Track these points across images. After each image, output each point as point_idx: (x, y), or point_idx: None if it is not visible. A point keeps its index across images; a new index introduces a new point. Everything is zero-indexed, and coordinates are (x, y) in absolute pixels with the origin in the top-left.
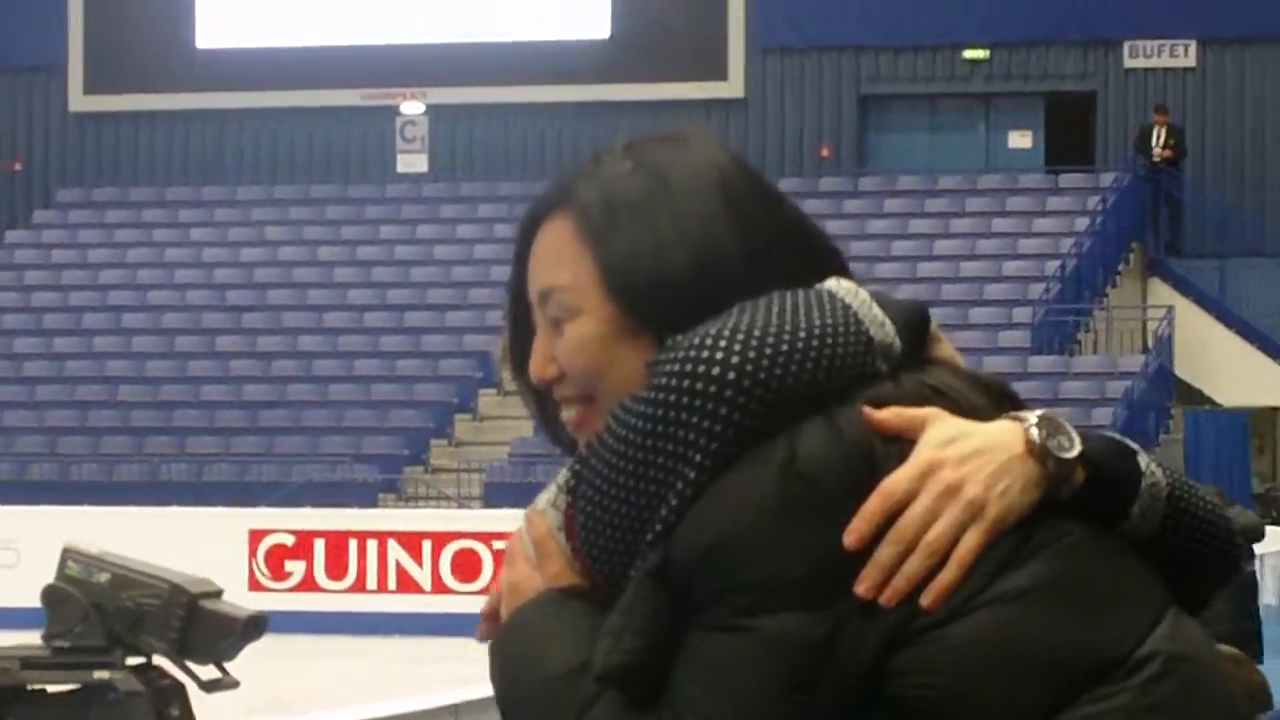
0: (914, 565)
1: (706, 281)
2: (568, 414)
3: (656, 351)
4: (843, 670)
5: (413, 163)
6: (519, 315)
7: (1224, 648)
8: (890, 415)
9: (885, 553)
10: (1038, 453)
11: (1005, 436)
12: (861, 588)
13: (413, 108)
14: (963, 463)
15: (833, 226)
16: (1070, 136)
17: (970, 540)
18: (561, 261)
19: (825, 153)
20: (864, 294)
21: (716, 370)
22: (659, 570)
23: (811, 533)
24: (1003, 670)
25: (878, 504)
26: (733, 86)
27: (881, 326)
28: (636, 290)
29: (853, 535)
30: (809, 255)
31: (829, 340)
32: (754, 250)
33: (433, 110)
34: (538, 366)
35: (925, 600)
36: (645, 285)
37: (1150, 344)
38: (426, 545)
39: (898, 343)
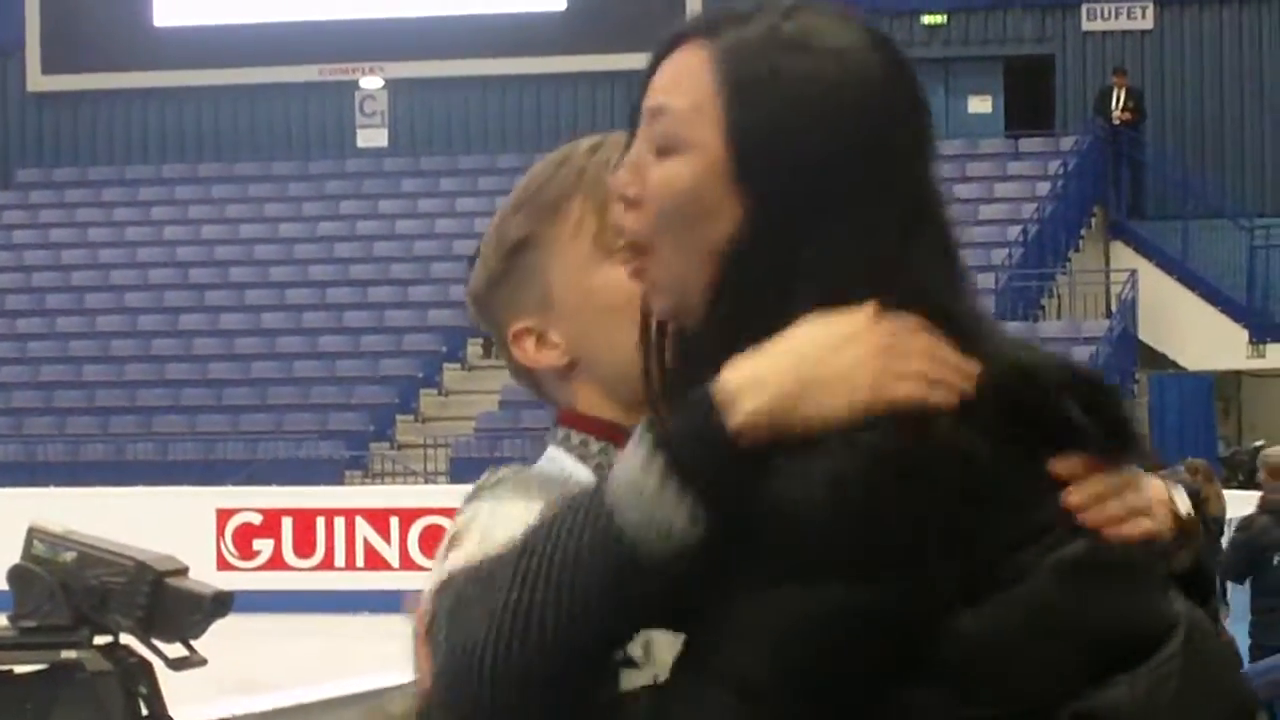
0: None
1: (829, 171)
2: (629, 260)
3: (734, 227)
4: (893, 634)
5: (373, 137)
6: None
7: None
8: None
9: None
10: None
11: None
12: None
13: (371, 82)
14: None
15: None
16: (1029, 100)
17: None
18: (686, 88)
19: None
20: None
21: None
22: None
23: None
24: (1056, 636)
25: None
26: None
27: None
28: (755, 144)
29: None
30: (931, 226)
31: None
32: (883, 177)
33: (392, 85)
34: (622, 176)
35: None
36: (765, 141)
37: (1114, 308)
38: (394, 522)
39: None
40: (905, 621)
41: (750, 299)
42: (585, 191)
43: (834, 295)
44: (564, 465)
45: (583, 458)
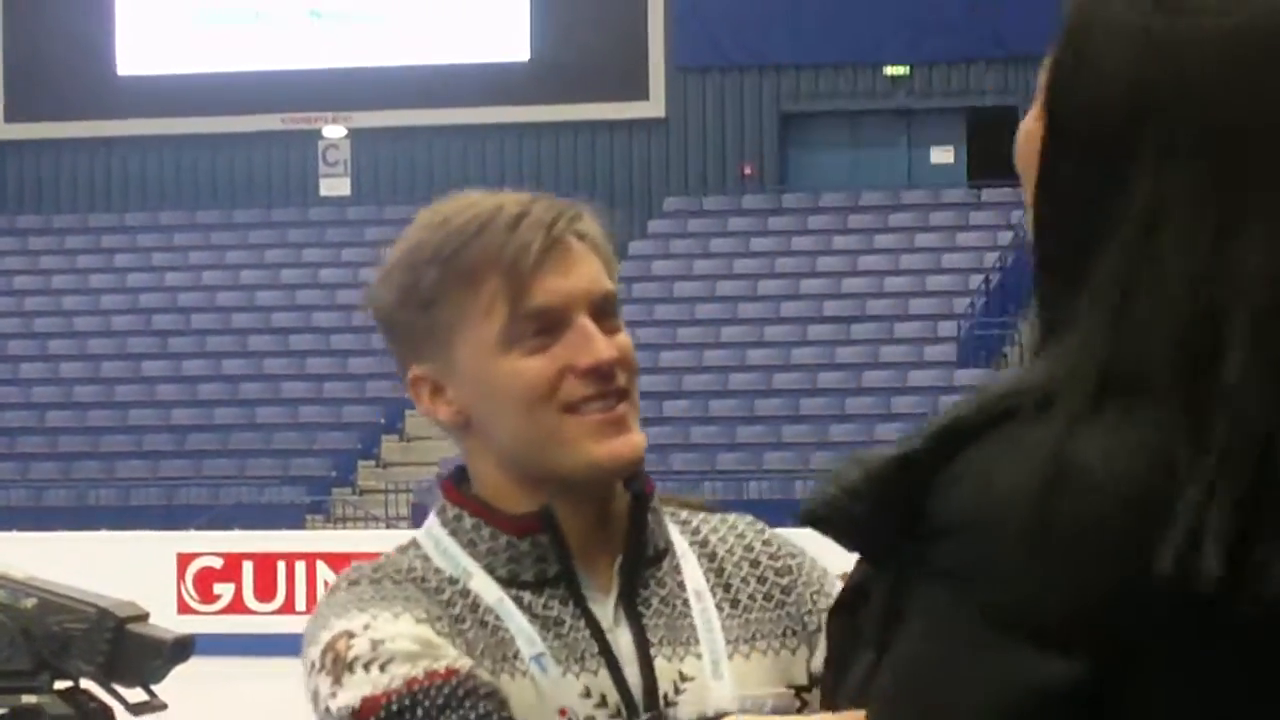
0: None
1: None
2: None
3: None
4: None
5: (335, 186)
6: None
7: None
8: None
9: None
10: None
11: None
12: None
13: (334, 131)
14: None
15: (756, 244)
16: (992, 151)
17: None
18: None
19: (748, 171)
20: None
21: None
22: (909, 463)
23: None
24: None
25: None
26: (654, 106)
27: None
28: (1054, 91)
29: None
30: None
31: None
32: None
33: (354, 134)
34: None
35: None
36: (1058, 87)
37: None
38: None
39: None
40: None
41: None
42: (501, 275)
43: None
44: (438, 540)
45: (455, 534)
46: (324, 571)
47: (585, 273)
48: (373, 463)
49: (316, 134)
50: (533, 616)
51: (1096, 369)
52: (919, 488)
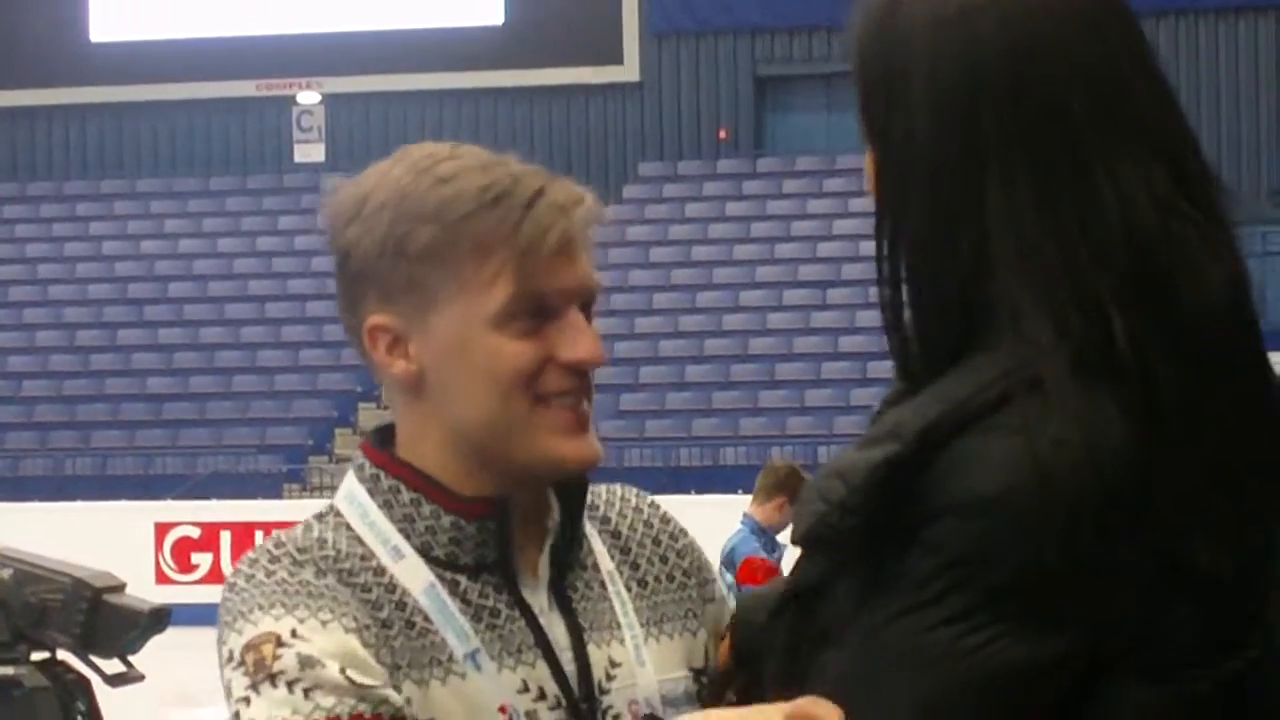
0: None
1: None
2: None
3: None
4: (1039, 698)
5: (310, 152)
6: None
7: None
8: None
9: None
10: None
11: None
12: None
13: (308, 97)
14: None
15: (732, 208)
16: None
17: None
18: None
19: (723, 135)
20: None
21: None
22: (896, 464)
23: (1095, 544)
24: None
25: None
26: (628, 70)
27: None
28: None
29: None
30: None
31: None
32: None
33: (328, 99)
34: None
35: None
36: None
37: None
38: None
39: None
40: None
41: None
42: (514, 251)
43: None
44: (364, 511)
45: (388, 505)
46: None
47: (584, 265)
48: (349, 430)
49: (290, 100)
50: (465, 604)
51: (1066, 354)
52: (908, 487)
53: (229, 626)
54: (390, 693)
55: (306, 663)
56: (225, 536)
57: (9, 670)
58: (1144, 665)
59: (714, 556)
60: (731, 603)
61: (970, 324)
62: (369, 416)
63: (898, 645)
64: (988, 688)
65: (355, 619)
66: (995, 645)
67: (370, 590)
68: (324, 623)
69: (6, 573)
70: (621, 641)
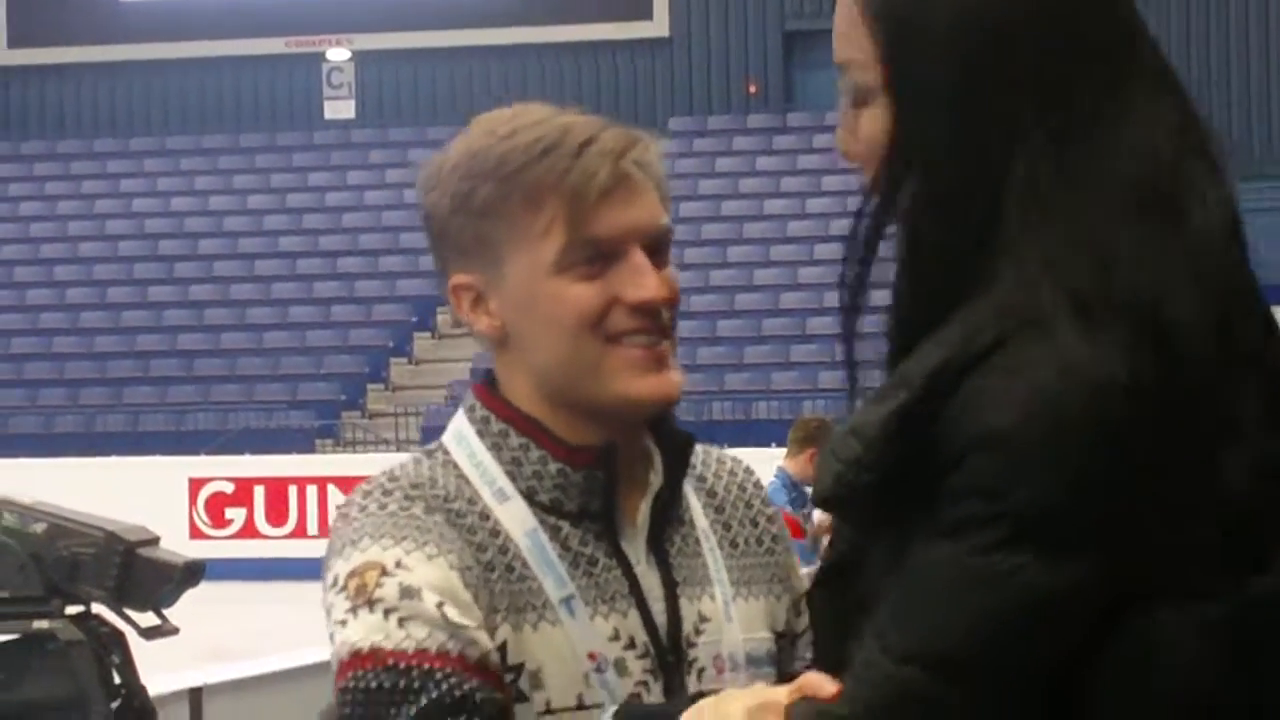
0: None
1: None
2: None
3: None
4: (1072, 622)
5: (340, 109)
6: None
7: None
8: None
9: None
10: None
11: None
12: None
13: (339, 54)
14: None
15: (763, 163)
16: None
17: None
18: (848, 37)
19: (753, 90)
20: None
21: None
22: (906, 413)
23: (1110, 466)
24: None
25: None
26: (658, 25)
27: None
28: (898, 61)
29: None
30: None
31: None
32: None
33: (359, 56)
34: (840, 140)
35: None
36: (902, 52)
37: None
38: None
39: None
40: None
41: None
42: (563, 199)
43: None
44: (472, 452)
45: (497, 448)
46: (335, 495)
47: (644, 206)
48: (382, 386)
49: (320, 57)
50: (565, 550)
51: (1067, 291)
52: (923, 435)
53: (337, 553)
54: (481, 635)
55: (406, 593)
56: (259, 492)
57: (44, 624)
58: (1168, 589)
59: None
60: None
61: (973, 271)
62: (401, 372)
63: (936, 581)
64: (1022, 615)
65: (459, 558)
66: (1026, 573)
67: (475, 532)
68: (429, 557)
69: (40, 527)
70: (712, 597)
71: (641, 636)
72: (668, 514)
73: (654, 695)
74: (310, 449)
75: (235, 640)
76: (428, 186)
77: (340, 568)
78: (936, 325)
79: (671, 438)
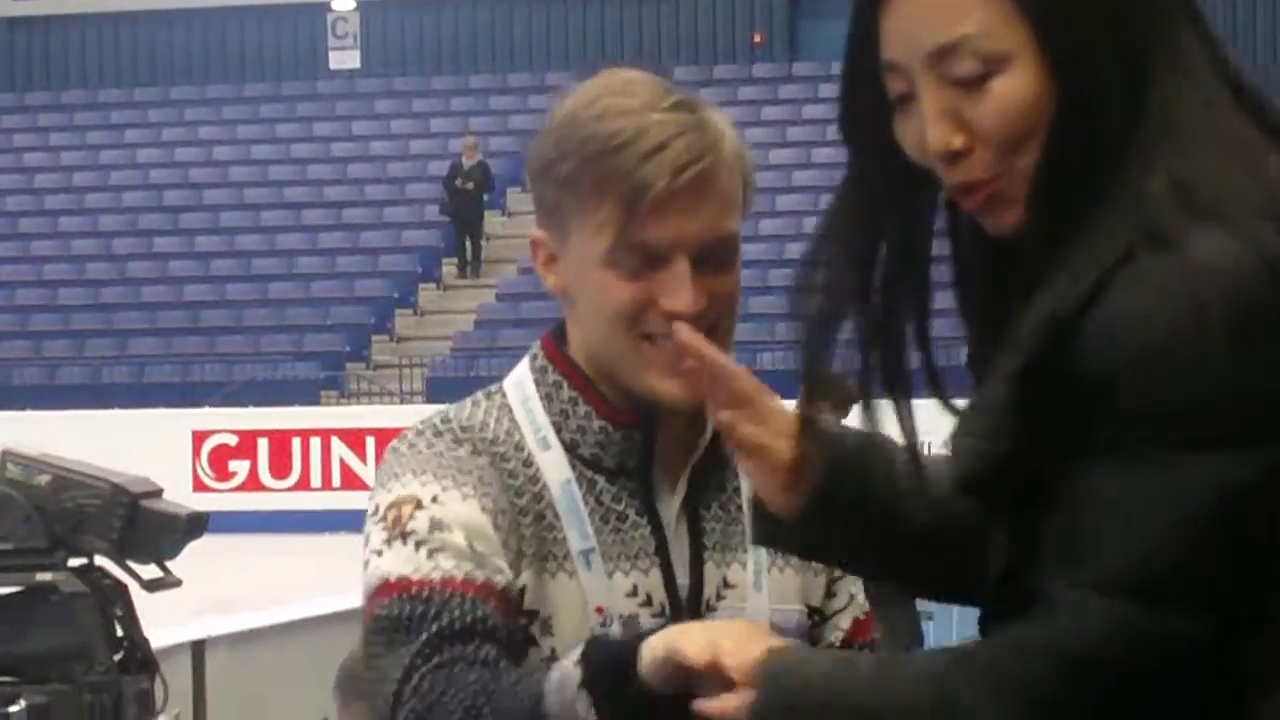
0: None
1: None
2: (968, 197)
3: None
4: (1274, 515)
5: (345, 59)
6: (859, 106)
7: None
8: None
9: None
10: None
11: None
12: None
13: (343, 3)
14: None
15: (768, 113)
16: None
17: None
18: (961, 9)
19: (758, 39)
20: None
21: None
22: (1030, 369)
23: (1266, 351)
24: None
25: None
26: None
27: None
28: (1062, 25)
29: None
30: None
31: None
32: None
33: (363, 6)
34: (940, 134)
35: None
36: (1071, 20)
37: None
38: (370, 442)
39: None
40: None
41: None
42: (621, 200)
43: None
44: (526, 398)
45: (549, 399)
46: (339, 448)
47: (701, 217)
48: (386, 337)
49: (325, 6)
50: (597, 504)
51: (1183, 198)
52: (1052, 385)
53: (381, 485)
54: (506, 568)
55: (436, 525)
56: (263, 444)
57: (47, 576)
58: None
59: None
60: None
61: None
62: (406, 323)
63: (1127, 507)
64: (1226, 517)
65: (494, 501)
66: (1218, 472)
67: (516, 476)
68: (465, 496)
69: (44, 478)
70: (743, 565)
71: (660, 595)
72: (708, 479)
73: None
74: (315, 400)
75: (238, 593)
76: (536, 137)
77: (381, 498)
78: (1055, 237)
79: None
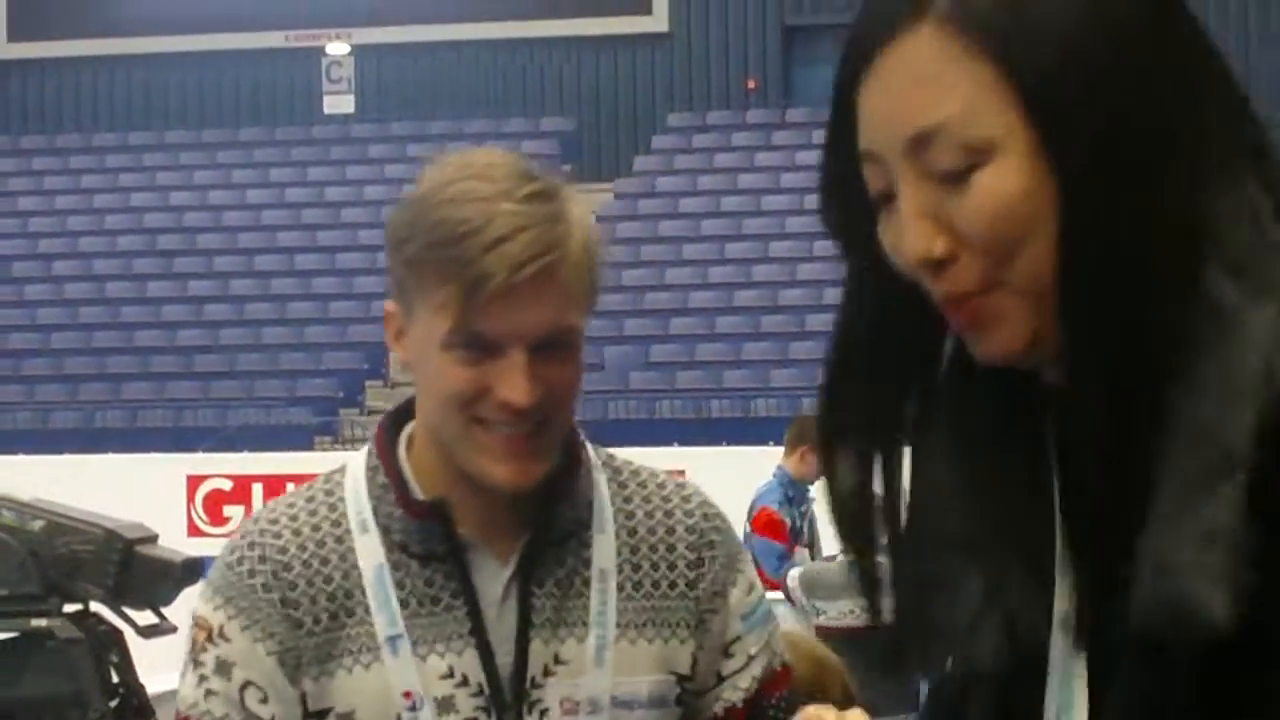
0: None
1: (1147, 116)
2: (956, 311)
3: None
4: None
5: (339, 104)
6: (843, 198)
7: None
8: None
9: None
10: None
11: None
12: None
13: (338, 48)
14: None
15: (761, 159)
16: None
17: None
18: (943, 87)
19: (752, 85)
20: None
21: None
22: (1264, 485)
23: None
24: None
25: None
26: (657, 20)
27: None
28: (1063, 105)
29: None
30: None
31: None
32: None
33: (358, 50)
34: (920, 242)
35: None
36: (1073, 98)
37: None
38: None
39: None
40: None
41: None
42: (460, 288)
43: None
44: (356, 479)
45: (370, 482)
46: None
47: (539, 310)
48: (380, 383)
49: (320, 51)
50: (409, 591)
51: None
52: None
53: (205, 583)
54: (270, 716)
55: (220, 668)
56: (257, 489)
57: (42, 622)
58: None
59: (743, 508)
60: (755, 581)
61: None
62: (398, 369)
63: None
64: None
65: (281, 643)
66: None
67: (325, 568)
68: (243, 628)
69: (38, 524)
70: (580, 640)
71: (477, 675)
72: (542, 556)
73: None
74: (309, 446)
75: None
76: (395, 208)
77: (196, 606)
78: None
79: (553, 481)
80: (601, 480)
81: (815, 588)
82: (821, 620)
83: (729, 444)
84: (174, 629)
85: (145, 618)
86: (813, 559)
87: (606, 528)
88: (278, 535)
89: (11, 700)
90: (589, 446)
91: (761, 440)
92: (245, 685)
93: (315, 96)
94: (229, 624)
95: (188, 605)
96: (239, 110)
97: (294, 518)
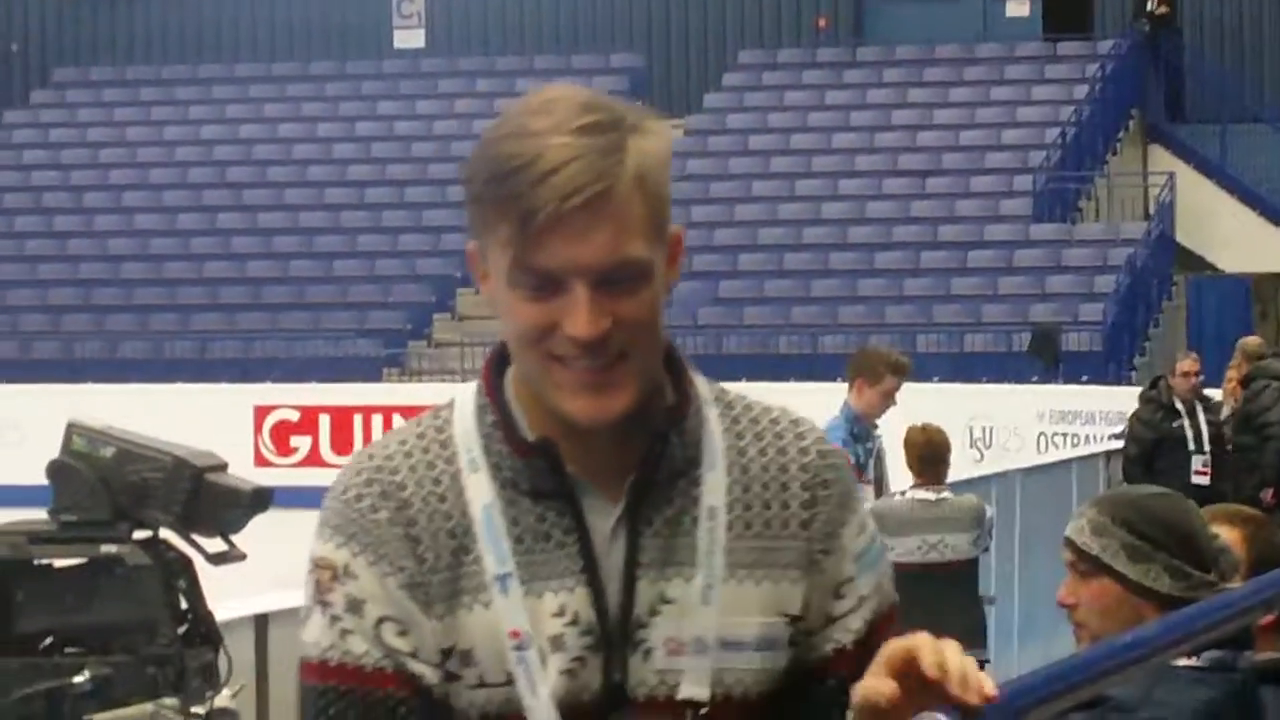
0: None
1: None
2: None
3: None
4: None
5: (410, 38)
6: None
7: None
8: None
9: None
10: None
11: None
12: None
13: None
14: None
15: (832, 97)
16: (1068, 4)
17: None
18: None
19: (822, 23)
20: None
21: None
22: None
23: None
24: None
25: None
26: None
27: None
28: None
29: None
30: None
31: None
32: None
33: None
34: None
35: None
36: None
37: (1152, 210)
38: None
39: None
40: None
41: None
42: (513, 224)
43: None
44: (464, 416)
45: (479, 420)
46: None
47: (596, 242)
48: (448, 315)
49: None
50: (522, 529)
51: None
52: None
53: (316, 532)
54: (410, 647)
55: (351, 606)
56: (324, 420)
57: (112, 548)
58: None
59: None
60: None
61: None
62: (468, 303)
63: None
64: None
65: (403, 567)
66: None
67: (443, 502)
68: (370, 563)
69: (109, 451)
70: (687, 579)
71: (588, 614)
72: (650, 495)
73: (590, 670)
74: (377, 378)
75: (300, 568)
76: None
77: (313, 548)
78: None
79: (658, 424)
80: (712, 416)
81: (882, 524)
82: (889, 556)
83: (796, 380)
84: (243, 556)
85: (214, 545)
86: (878, 495)
87: (717, 465)
88: (394, 471)
89: (80, 626)
90: (701, 380)
91: (829, 377)
92: (381, 620)
93: (385, 31)
94: (354, 560)
95: (255, 533)
96: (310, 44)
97: (408, 454)
